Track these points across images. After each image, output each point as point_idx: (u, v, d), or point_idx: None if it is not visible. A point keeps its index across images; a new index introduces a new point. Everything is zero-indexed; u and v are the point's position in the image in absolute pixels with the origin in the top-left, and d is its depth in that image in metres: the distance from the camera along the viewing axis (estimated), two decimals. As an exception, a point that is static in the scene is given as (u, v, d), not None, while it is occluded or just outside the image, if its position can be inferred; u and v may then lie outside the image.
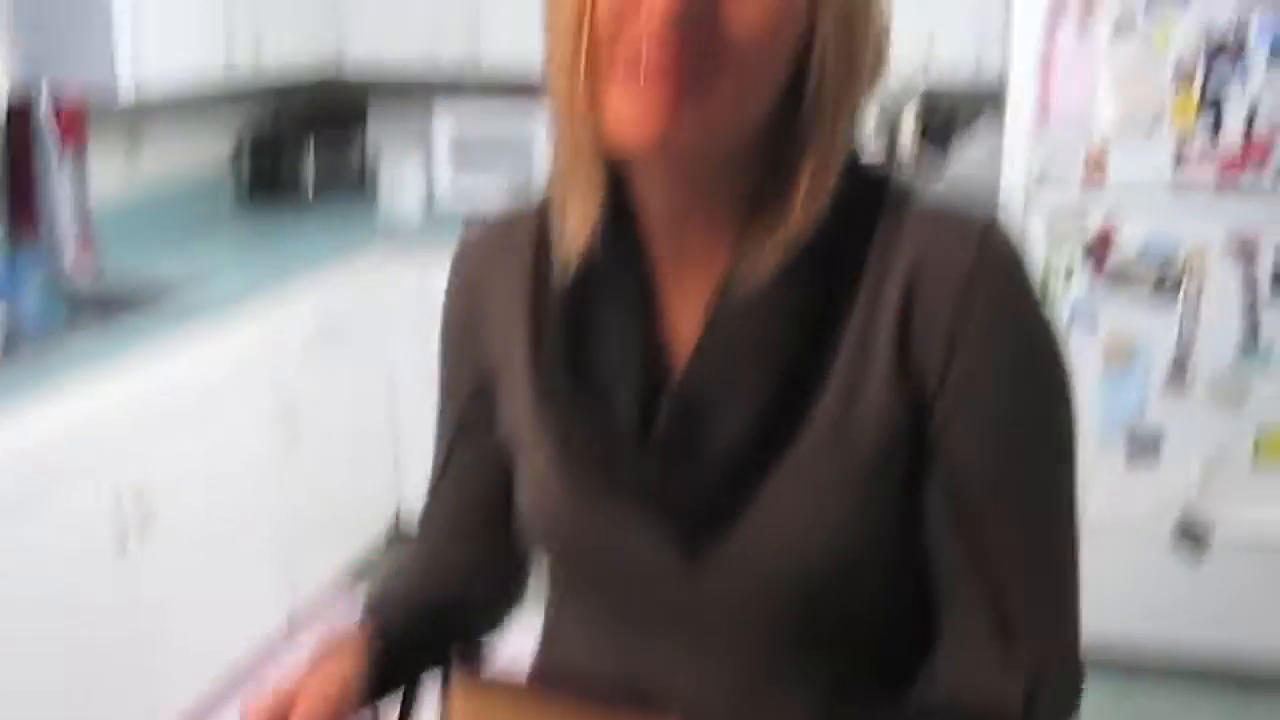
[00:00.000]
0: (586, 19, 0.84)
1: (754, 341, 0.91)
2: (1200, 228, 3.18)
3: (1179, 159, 3.15)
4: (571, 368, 0.97)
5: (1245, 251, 3.17)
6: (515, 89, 4.36)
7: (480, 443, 1.09)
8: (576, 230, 0.95)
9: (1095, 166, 3.20)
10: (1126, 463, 3.32)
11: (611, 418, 0.95)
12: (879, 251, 0.92)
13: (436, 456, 1.14)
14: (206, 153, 4.32)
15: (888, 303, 0.91)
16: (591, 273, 0.97)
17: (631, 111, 0.84)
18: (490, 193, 4.15)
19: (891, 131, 3.81)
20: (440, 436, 1.14)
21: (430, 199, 4.32)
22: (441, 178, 4.28)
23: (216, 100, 4.25)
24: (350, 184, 4.57)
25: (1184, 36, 3.10)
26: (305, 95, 4.61)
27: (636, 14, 0.82)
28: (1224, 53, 3.09)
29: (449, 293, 1.11)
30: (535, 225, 1.03)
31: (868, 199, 0.93)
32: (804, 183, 0.88)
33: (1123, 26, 3.11)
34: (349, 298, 3.78)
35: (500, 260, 1.06)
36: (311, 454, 3.57)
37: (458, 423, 1.11)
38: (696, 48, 0.82)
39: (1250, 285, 3.18)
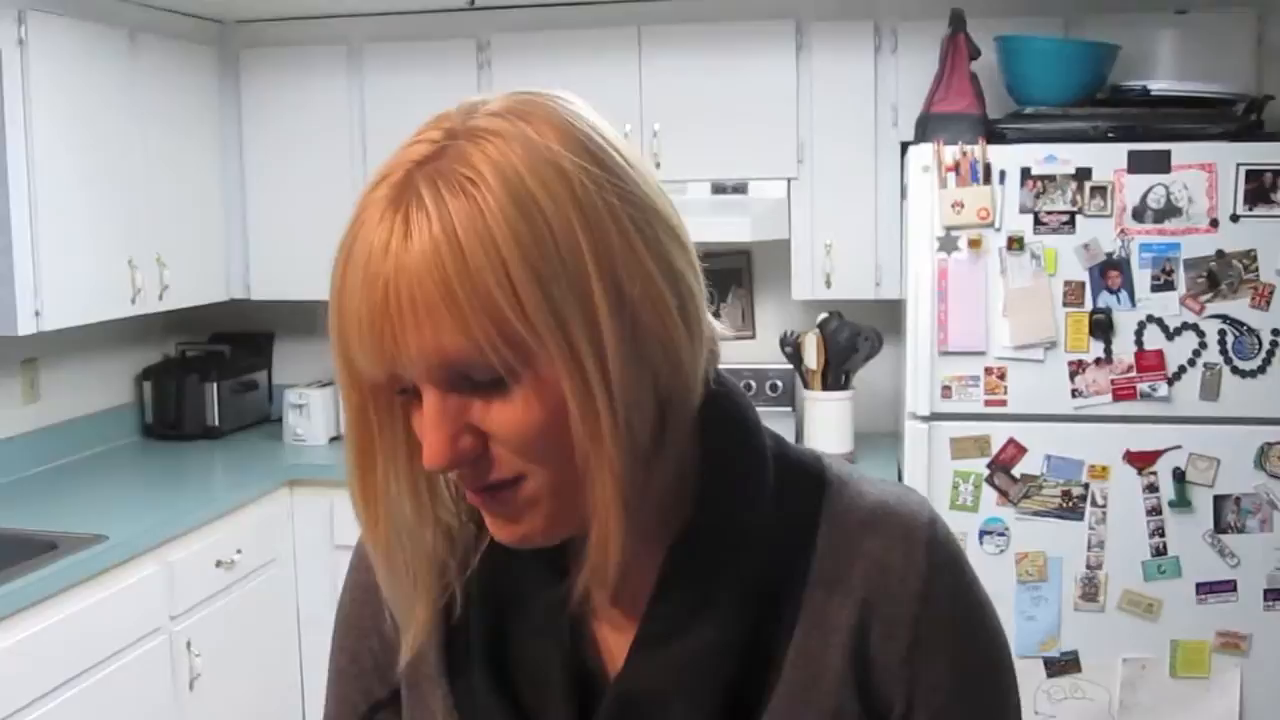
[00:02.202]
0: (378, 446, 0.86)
1: (691, 651, 0.87)
2: (1100, 443, 3.24)
3: (1075, 376, 3.24)
4: (491, 677, 0.92)
5: (1145, 464, 3.23)
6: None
7: None
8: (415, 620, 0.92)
9: (995, 387, 3.27)
10: (1047, 680, 3.29)
11: None
12: (824, 561, 0.90)
13: None
14: (108, 388, 4.26)
15: (839, 616, 0.89)
16: (506, 573, 0.92)
17: (493, 528, 0.86)
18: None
19: (796, 352, 3.87)
20: None
21: (338, 430, 4.27)
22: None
23: (119, 335, 4.22)
24: (256, 417, 4.52)
25: (1070, 258, 3.21)
26: (210, 329, 4.59)
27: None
28: (1110, 271, 3.21)
29: (348, 590, 1.05)
30: None
31: (804, 502, 0.92)
32: (595, 520, 0.83)
33: (1011, 251, 3.23)
34: (253, 536, 3.69)
35: None
36: (212, 699, 3.42)
37: None
38: (484, 469, 0.82)
39: (1153, 497, 3.23)
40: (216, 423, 4.31)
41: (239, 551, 3.56)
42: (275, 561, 3.81)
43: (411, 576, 0.90)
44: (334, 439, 4.27)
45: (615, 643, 0.92)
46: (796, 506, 0.92)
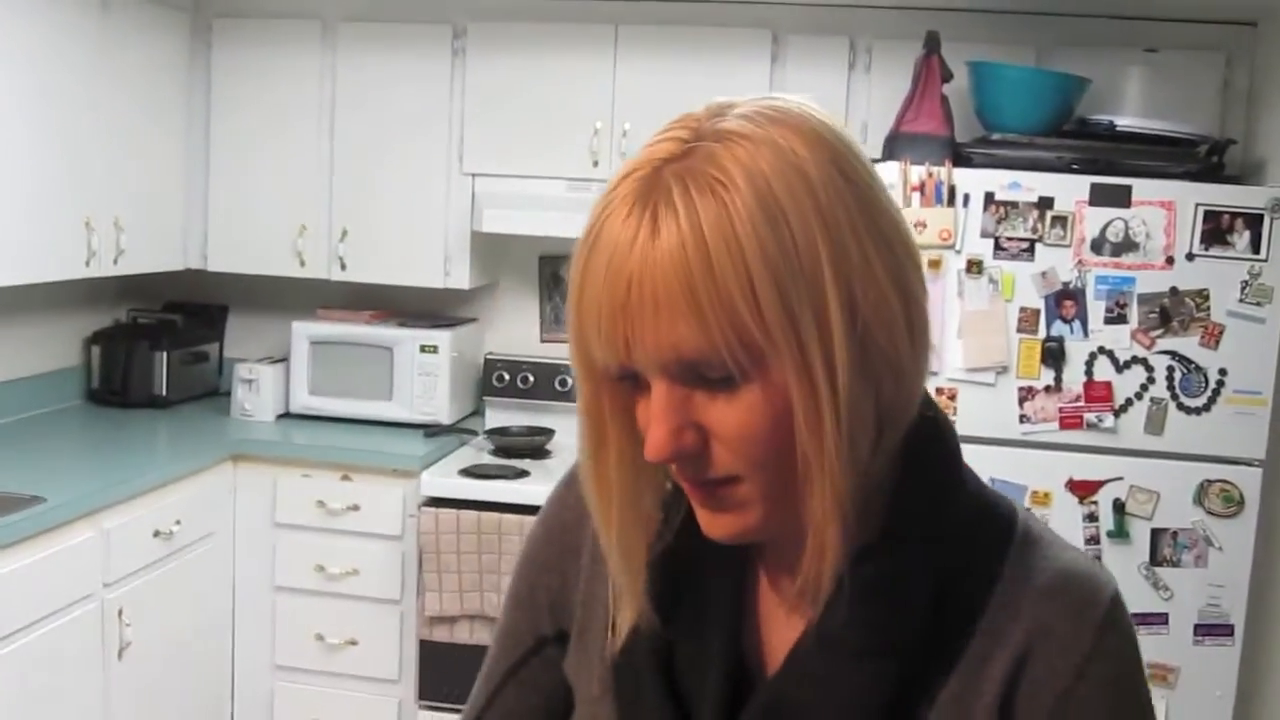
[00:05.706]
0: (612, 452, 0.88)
1: (852, 666, 0.87)
2: (1044, 470, 3.27)
3: (1024, 402, 3.27)
4: (654, 660, 0.93)
5: (1086, 493, 3.27)
6: (377, 299, 4.37)
7: (534, 692, 1.05)
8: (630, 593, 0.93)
9: (945, 407, 3.29)
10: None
11: (690, 716, 0.91)
12: (995, 613, 0.90)
13: (480, 692, 1.08)
14: (56, 349, 4.21)
15: (995, 667, 0.89)
16: (688, 555, 0.94)
17: (704, 522, 0.88)
18: (348, 403, 4.11)
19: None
20: (490, 673, 1.08)
21: (286, 407, 4.24)
22: (299, 387, 4.21)
23: (70, 297, 4.17)
24: (204, 389, 4.47)
25: (1027, 285, 3.25)
26: (163, 297, 4.55)
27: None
28: (1066, 300, 3.24)
29: (540, 524, 1.08)
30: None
31: (990, 550, 0.91)
32: (812, 529, 0.84)
33: (970, 275, 3.26)
34: (194, 509, 3.65)
35: None
36: (141, 669, 3.38)
37: (513, 667, 1.06)
38: (703, 466, 0.83)
39: (1092, 526, 3.27)
40: (164, 392, 4.27)
41: (178, 523, 3.52)
42: (214, 535, 3.78)
43: (633, 557, 0.91)
44: (281, 416, 4.24)
45: (779, 644, 0.92)
46: (981, 552, 0.91)
